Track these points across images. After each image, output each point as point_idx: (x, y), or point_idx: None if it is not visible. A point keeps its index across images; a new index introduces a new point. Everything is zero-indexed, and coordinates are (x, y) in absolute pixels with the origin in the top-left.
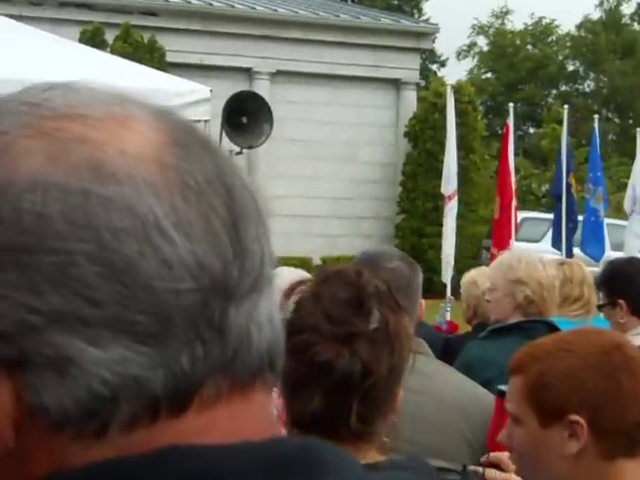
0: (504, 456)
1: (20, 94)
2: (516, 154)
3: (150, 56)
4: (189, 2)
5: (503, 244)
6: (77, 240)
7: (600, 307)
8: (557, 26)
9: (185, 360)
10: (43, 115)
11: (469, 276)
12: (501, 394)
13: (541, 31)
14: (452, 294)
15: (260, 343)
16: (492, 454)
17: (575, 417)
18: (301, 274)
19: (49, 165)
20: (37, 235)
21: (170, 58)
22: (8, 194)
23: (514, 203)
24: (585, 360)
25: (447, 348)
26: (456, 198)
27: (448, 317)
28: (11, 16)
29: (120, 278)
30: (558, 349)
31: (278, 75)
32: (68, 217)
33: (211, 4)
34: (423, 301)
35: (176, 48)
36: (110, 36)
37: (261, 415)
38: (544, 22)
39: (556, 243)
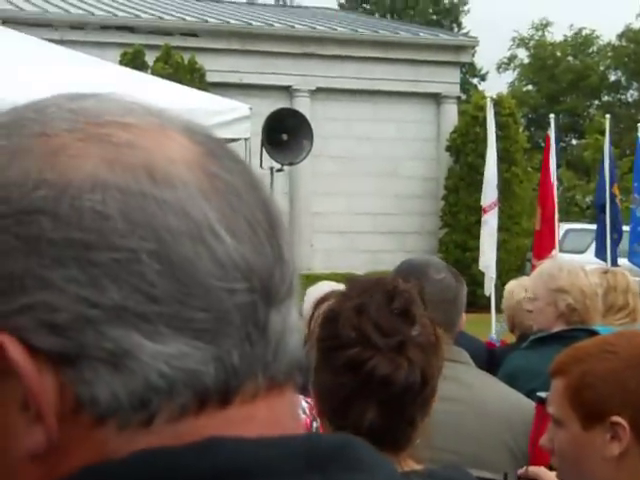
0: (541, 470)
1: (56, 101)
2: (559, 166)
3: (190, 76)
4: (228, 22)
5: (544, 255)
6: (139, 238)
7: None
8: (597, 37)
9: (236, 356)
10: (88, 121)
11: (507, 287)
12: (541, 401)
13: (581, 42)
14: (496, 307)
15: (293, 347)
16: (530, 468)
17: (617, 418)
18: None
19: (106, 167)
20: (98, 232)
21: (210, 78)
22: (66, 193)
23: (556, 215)
24: (628, 361)
25: (492, 359)
26: (495, 210)
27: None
28: (52, 40)
29: (179, 276)
30: (601, 350)
31: (318, 92)
32: (128, 217)
33: (250, 24)
34: (464, 313)
35: (216, 68)
36: (150, 58)
37: (293, 412)
38: (584, 33)
39: (600, 253)
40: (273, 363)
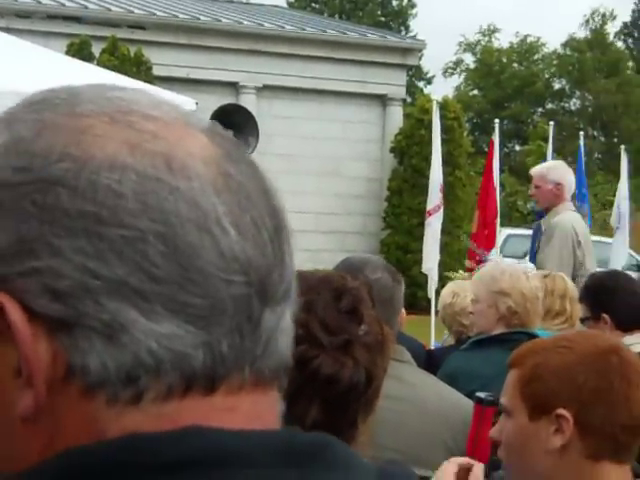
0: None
1: (89, 88)
2: (502, 171)
3: (137, 69)
4: (176, 16)
5: (478, 259)
6: (148, 220)
7: (583, 320)
8: (543, 44)
9: (225, 345)
10: (117, 109)
11: (446, 291)
12: (479, 401)
13: (527, 49)
14: (436, 310)
15: (282, 348)
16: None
17: (562, 411)
18: None
19: (127, 150)
20: (111, 209)
21: (157, 72)
22: (86, 168)
23: (498, 219)
24: (581, 358)
25: (430, 360)
26: (438, 213)
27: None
28: None
29: (181, 261)
30: (556, 345)
31: (264, 90)
32: (141, 198)
33: (198, 18)
34: (404, 311)
35: (163, 62)
36: (97, 49)
37: (275, 409)
38: (529, 40)
39: (533, 258)
40: (261, 359)
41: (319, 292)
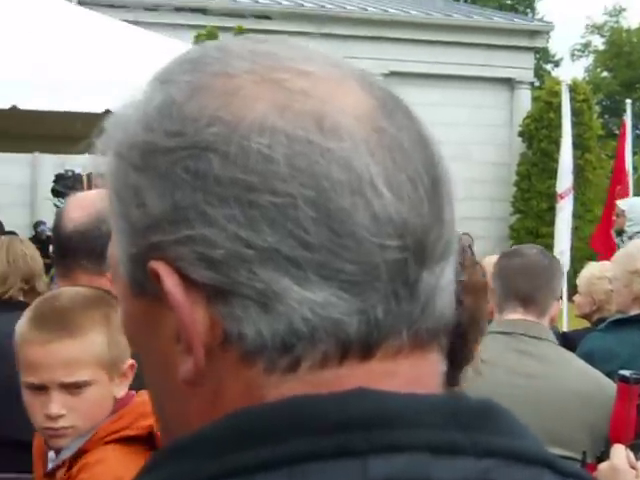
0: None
1: (241, 44)
2: (634, 153)
3: None
4: (302, 5)
5: (602, 249)
6: (299, 185)
7: None
8: None
9: (380, 311)
10: (268, 65)
11: (595, 270)
12: (624, 379)
13: None
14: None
15: (442, 308)
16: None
17: None
18: None
19: (276, 112)
20: (261, 175)
21: None
22: (236, 133)
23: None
24: None
25: (565, 343)
26: (570, 196)
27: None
28: (127, 21)
29: (333, 226)
30: None
31: (391, 76)
32: (292, 162)
33: (323, 6)
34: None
35: None
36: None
37: (436, 373)
38: None
39: None
40: (419, 321)
41: None
